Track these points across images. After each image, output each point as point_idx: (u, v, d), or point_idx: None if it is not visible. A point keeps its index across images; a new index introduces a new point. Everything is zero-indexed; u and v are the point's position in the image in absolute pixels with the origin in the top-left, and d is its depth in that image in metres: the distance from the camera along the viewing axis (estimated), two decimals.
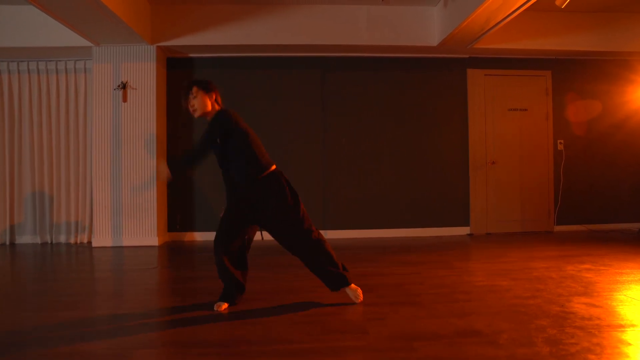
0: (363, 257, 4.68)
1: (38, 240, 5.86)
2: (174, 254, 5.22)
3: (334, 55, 6.12)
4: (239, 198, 2.93)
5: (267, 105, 6.07)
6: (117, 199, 5.53)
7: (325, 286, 3.02)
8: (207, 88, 2.94)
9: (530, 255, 4.66)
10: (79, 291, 3.51)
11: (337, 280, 2.96)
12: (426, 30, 5.70)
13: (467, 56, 6.24)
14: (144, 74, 5.57)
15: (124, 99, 5.52)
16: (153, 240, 5.55)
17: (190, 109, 2.95)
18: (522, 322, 2.59)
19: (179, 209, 6.04)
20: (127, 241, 5.53)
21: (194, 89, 2.93)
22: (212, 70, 6.06)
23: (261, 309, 2.92)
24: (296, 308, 2.93)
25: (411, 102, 6.22)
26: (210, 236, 5.97)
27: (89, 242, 5.79)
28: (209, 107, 2.94)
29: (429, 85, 6.25)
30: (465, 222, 6.26)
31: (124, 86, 5.49)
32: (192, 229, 6.05)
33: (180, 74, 6.05)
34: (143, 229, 5.56)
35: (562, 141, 6.36)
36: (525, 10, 4.72)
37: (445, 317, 2.69)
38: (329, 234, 5.93)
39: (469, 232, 6.24)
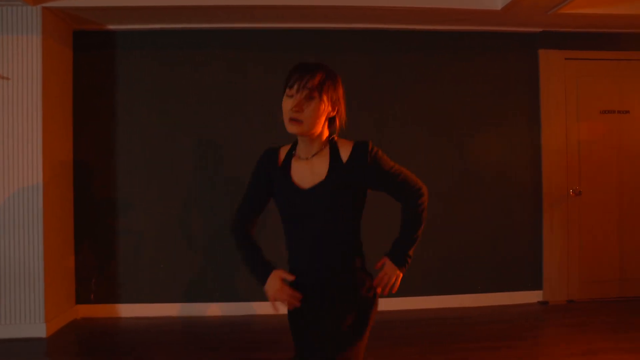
0: None
1: None
2: None
3: (335, 27, 3.92)
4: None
5: (227, 112, 3.91)
6: None
7: None
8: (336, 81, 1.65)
9: None
10: None
11: None
12: None
13: (538, 30, 4.08)
14: (23, 56, 3.37)
15: None
16: (36, 329, 3.36)
17: (295, 116, 1.55)
18: None
19: (94, 270, 3.88)
20: None
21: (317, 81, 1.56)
22: (144, 51, 3.90)
23: None
24: None
25: (453, 101, 4.07)
26: (142, 311, 3.84)
27: None
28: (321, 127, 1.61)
29: (480, 75, 4.10)
30: (536, 284, 4.14)
31: None
32: (115, 299, 3.87)
33: (94, 56, 3.88)
34: (20, 310, 3.37)
35: None
36: None
37: None
38: None
39: (541, 300, 4.11)
